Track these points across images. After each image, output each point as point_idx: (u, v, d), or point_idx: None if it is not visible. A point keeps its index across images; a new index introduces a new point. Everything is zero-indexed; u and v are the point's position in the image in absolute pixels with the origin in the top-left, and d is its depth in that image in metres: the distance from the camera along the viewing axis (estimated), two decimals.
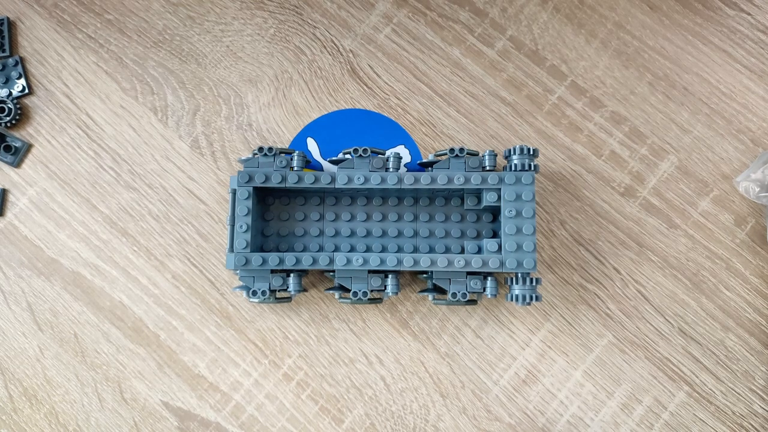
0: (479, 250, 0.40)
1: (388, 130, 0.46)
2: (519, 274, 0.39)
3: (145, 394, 0.44)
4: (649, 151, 0.45)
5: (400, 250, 0.42)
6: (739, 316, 0.43)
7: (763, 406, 0.42)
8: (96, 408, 0.44)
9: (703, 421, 0.42)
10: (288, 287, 0.40)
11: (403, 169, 0.44)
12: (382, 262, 0.38)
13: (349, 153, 0.40)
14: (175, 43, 0.48)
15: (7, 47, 0.47)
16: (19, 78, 0.47)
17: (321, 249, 0.43)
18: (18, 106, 0.46)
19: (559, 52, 0.46)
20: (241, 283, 0.41)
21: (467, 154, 0.40)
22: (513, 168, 0.39)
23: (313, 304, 0.44)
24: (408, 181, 0.39)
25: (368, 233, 0.43)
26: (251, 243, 0.40)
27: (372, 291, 0.40)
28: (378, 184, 0.39)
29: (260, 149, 0.41)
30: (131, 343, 0.45)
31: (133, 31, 0.48)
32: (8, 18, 0.48)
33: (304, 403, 0.43)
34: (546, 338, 0.43)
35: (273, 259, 0.39)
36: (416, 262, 0.38)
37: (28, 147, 0.47)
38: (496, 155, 0.40)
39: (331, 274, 0.40)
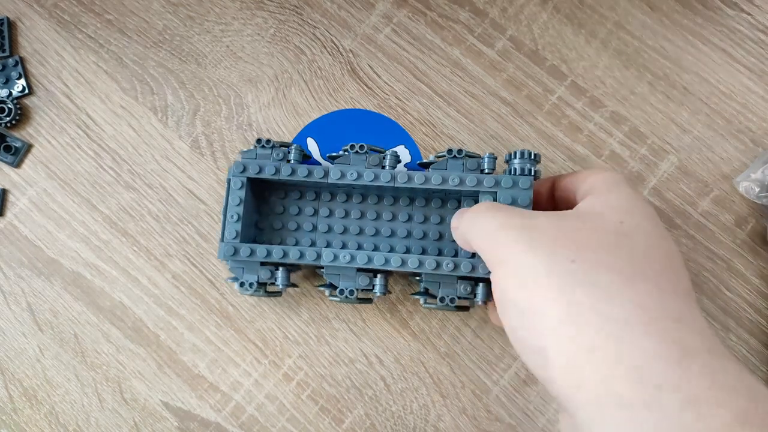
0: (473, 255, 0.39)
1: (388, 130, 0.46)
2: None
3: (145, 394, 0.44)
4: (649, 151, 0.45)
5: (392, 249, 0.42)
6: (740, 317, 0.43)
7: None
8: (96, 408, 0.44)
9: None
10: (276, 281, 0.40)
11: (402, 168, 0.44)
12: (370, 260, 0.38)
13: (347, 149, 0.40)
14: (175, 43, 0.48)
15: (7, 47, 0.47)
16: (19, 78, 0.47)
17: (313, 244, 0.43)
18: (18, 106, 0.46)
19: (559, 52, 0.46)
20: (232, 275, 0.41)
21: (466, 155, 0.39)
22: (513, 172, 0.38)
23: (313, 304, 0.44)
24: (401, 179, 0.38)
25: (361, 231, 0.42)
26: (242, 234, 0.39)
27: (361, 290, 0.40)
28: (371, 181, 0.39)
29: (258, 141, 0.40)
30: (131, 343, 0.45)
31: (133, 31, 0.48)
32: (8, 18, 0.48)
33: (304, 403, 0.43)
34: None
35: (261, 251, 0.39)
36: (404, 263, 0.38)
37: (28, 147, 0.47)
38: (495, 158, 0.39)
39: (322, 270, 0.40)
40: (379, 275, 0.40)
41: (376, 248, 0.42)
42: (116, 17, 0.48)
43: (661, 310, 0.24)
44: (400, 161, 0.42)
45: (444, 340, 0.44)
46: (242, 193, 0.40)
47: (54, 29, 0.48)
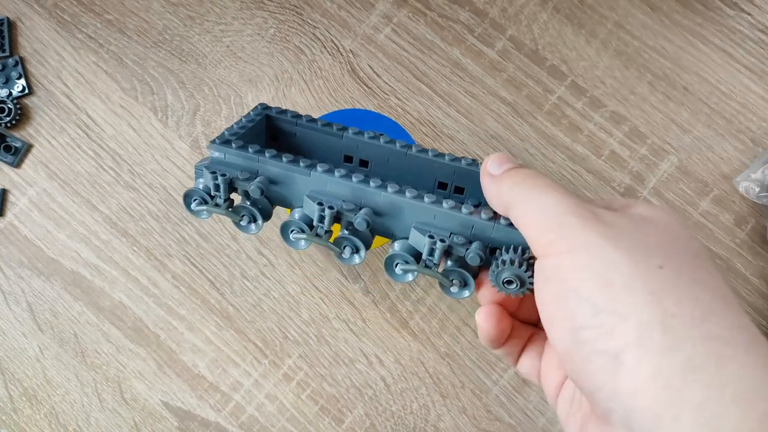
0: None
1: (388, 130, 0.46)
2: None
3: (145, 394, 0.44)
4: (649, 151, 0.45)
5: None
6: None
7: None
8: (96, 408, 0.44)
9: None
10: (219, 193, 0.33)
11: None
12: (366, 181, 0.31)
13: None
14: (175, 43, 0.48)
15: (7, 47, 0.47)
16: (19, 78, 0.47)
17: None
18: (18, 106, 0.46)
19: (559, 52, 0.46)
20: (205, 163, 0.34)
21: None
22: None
23: (313, 304, 0.44)
24: (415, 148, 0.35)
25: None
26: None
27: (327, 225, 0.31)
28: (386, 143, 0.36)
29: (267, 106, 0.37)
30: (131, 343, 0.45)
31: (133, 31, 0.48)
32: (8, 18, 0.48)
33: (304, 403, 0.43)
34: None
35: (253, 147, 0.32)
36: (401, 191, 0.31)
37: (28, 147, 0.47)
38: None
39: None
40: (362, 209, 0.31)
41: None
42: (116, 17, 0.48)
43: (753, 331, 0.23)
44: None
45: (444, 340, 0.44)
46: (257, 119, 0.36)
47: (54, 29, 0.48)
